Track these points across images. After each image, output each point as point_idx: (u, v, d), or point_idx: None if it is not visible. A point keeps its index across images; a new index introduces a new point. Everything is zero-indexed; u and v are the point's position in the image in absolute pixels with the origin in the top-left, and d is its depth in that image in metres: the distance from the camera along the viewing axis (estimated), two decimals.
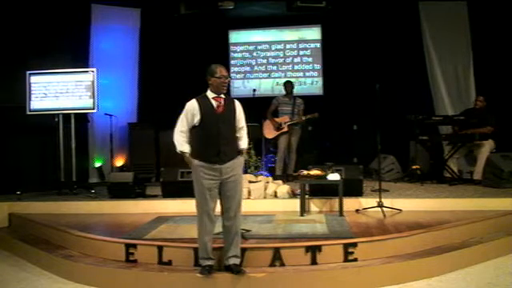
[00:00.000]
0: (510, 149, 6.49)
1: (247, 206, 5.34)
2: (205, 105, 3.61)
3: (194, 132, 3.64)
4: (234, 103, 3.74)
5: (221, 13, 8.35)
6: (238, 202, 3.68)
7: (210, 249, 3.66)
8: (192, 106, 3.62)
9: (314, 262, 3.83)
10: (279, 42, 9.60)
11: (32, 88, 6.77)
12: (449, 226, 4.49)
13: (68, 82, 6.82)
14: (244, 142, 3.78)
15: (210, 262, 3.65)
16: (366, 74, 8.27)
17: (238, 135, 3.74)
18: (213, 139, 3.57)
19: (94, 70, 6.94)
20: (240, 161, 3.74)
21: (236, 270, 3.61)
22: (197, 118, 3.59)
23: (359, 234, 4.21)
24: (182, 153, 3.64)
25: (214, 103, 3.63)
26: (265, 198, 5.75)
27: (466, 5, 7.96)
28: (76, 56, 7.79)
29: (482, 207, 5.19)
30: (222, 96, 3.68)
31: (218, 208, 3.69)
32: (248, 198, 5.64)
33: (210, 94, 3.66)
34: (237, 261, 3.66)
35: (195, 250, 3.79)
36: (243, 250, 3.79)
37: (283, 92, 7.52)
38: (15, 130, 7.05)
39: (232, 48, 9.69)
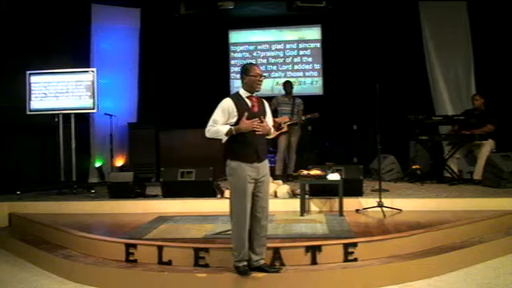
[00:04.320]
0: (510, 149, 6.48)
1: None
2: (241, 104, 3.60)
3: None
4: (263, 102, 3.78)
5: (221, 13, 8.34)
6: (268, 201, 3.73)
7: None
8: (228, 104, 3.59)
9: (314, 261, 3.84)
10: (279, 42, 9.60)
11: (32, 88, 6.77)
12: (449, 226, 4.49)
13: (68, 81, 6.82)
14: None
15: (245, 262, 3.63)
16: (366, 73, 8.26)
17: None
18: (251, 139, 3.56)
19: (94, 69, 6.94)
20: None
21: (273, 270, 3.66)
22: (234, 118, 3.57)
23: (359, 234, 4.21)
24: (229, 133, 3.53)
25: (249, 102, 3.64)
26: None
27: (466, 5, 7.96)
28: (76, 56, 7.79)
29: (482, 207, 5.19)
30: (254, 94, 3.70)
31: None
32: None
33: (243, 93, 3.65)
34: (264, 260, 3.68)
35: (195, 249, 3.80)
36: None
37: (283, 92, 7.53)
38: (15, 130, 7.04)
39: (232, 48, 9.70)
